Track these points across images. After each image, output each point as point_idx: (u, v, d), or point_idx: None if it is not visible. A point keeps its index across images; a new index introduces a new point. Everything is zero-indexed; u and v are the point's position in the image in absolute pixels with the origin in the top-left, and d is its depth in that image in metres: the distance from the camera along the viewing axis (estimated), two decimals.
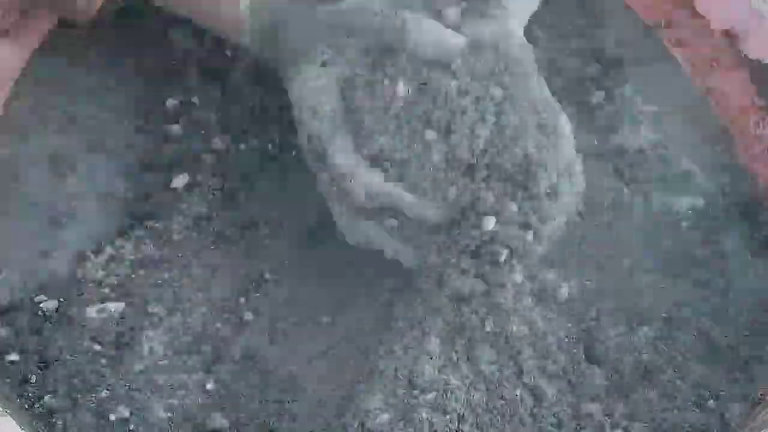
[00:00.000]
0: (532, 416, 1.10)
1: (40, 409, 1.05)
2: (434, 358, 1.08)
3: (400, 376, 1.08)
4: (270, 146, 1.35)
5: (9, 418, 0.97)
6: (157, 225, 1.26)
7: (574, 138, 1.14)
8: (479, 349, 1.10)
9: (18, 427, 0.96)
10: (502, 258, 1.08)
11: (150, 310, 1.18)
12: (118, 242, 1.24)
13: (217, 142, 1.34)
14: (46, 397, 1.06)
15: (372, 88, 1.07)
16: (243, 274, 1.24)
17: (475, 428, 1.07)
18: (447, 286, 1.11)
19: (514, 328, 1.12)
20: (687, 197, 1.40)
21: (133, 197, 1.29)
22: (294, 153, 1.33)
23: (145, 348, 1.14)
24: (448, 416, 1.05)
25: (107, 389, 1.08)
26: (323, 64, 1.10)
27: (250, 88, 1.38)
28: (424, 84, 1.06)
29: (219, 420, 1.08)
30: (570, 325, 1.19)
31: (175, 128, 1.36)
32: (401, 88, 1.06)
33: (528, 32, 1.35)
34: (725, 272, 1.33)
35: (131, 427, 1.05)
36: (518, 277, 1.15)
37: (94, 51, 1.42)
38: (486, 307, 1.12)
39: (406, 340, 1.11)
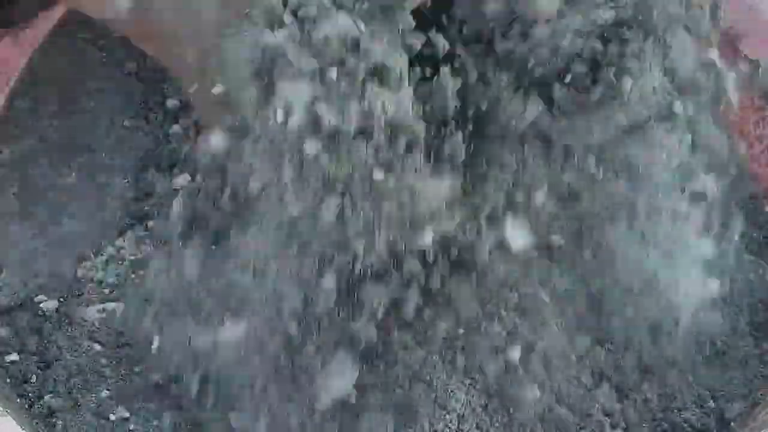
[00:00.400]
0: (533, 416, 1.10)
1: (40, 409, 1.05)
2: (435, 358, 1.08)
3: (401, 376, 1.08)
4: None
5: (9, 418, 0.97)
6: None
7: None
8: (479, 349, 1.10)
9: (18, 427, 0.96)
10: None
11: None
12: (118, 242, 1.24)
13: None
14: (46, 397, 1.06)
15: None
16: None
17: (475, 428, 1.07)
18: None
19: (513, 329, 1.12)
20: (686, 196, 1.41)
21: (133, 197, 1.30)
22: None
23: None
24: (448, 416, 1.05)
25: (107, 389, 1.08)
26: None
27: None
28: None
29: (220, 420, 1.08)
30: (569, 324, 1.19)
31: (175, 128, 1.36)
32: None
33: None
34: (725, 272, 1.33)
35: (131, 427, 1.05)
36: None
37: (95, 51, 1.42)
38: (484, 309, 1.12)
39: (407, 340, 1.11)
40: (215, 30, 0.93)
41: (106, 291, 1.18)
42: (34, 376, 1.09)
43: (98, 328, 1.14)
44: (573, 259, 1.21)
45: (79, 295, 1.17)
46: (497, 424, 1.09)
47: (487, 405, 1.09)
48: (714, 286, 1.30)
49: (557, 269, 1.16)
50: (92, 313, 1.15)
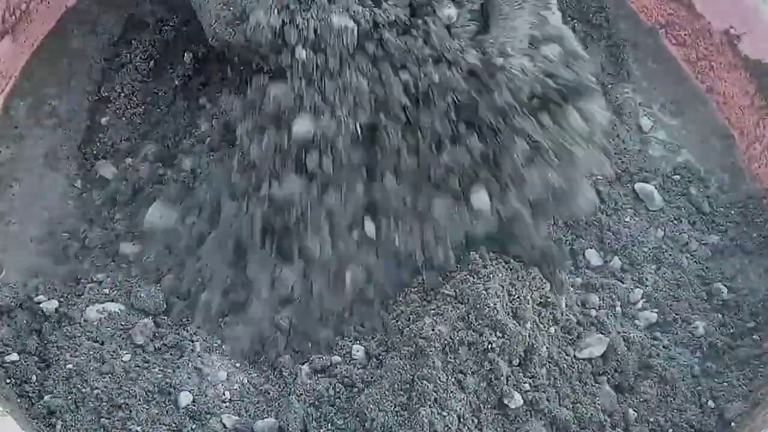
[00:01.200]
0: (533, 416, 1.10)
1: (40, 409, 1.05)
2: (435, 359, 1.08)
3: (402, 377, 1.08)
4: None
5: (9, 418, 0.97)
6: None
7: None
8: (480, 351, 1.10)
9: (18, 427, 0.96)
10: None
11: None
12: (119, 241, 1.24)
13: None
14: (46, 397, 1.06)
15: None
16: None
17: (475, 429, 1.07)
18: None
19: (514, 331, 1.11)
20: (687, 197, 1.41)
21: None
22: None
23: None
24: (448, 416, 1.05)
25: (107, 389, 1.08)
26: None
27: None
28: None
29: (227, 418, 1.08)
30: (569, 325, 1.19)
31: None
32: None
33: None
34: (725, 272, 1.33)
35: (132, 426, 1.05)
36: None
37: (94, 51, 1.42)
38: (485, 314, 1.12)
39: (408, 343, 1.11)
40: None
41: (106, 291, 1.18)
42: (34, 376, 1.09)
43: (98, 328, 1.13)
44: None
45: (79, 295, 1.17)
46: (497, 424, 1.08)
47: (486, 405, 1.09)
48: (716, 287, 1.30)
49: None
50: (92, 313, 1.15)
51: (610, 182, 1.39)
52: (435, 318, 1.11)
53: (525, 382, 1.11)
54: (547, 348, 1.13)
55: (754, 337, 1.25)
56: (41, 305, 1.15)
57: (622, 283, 1.28)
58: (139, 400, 1.07)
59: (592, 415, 1.12)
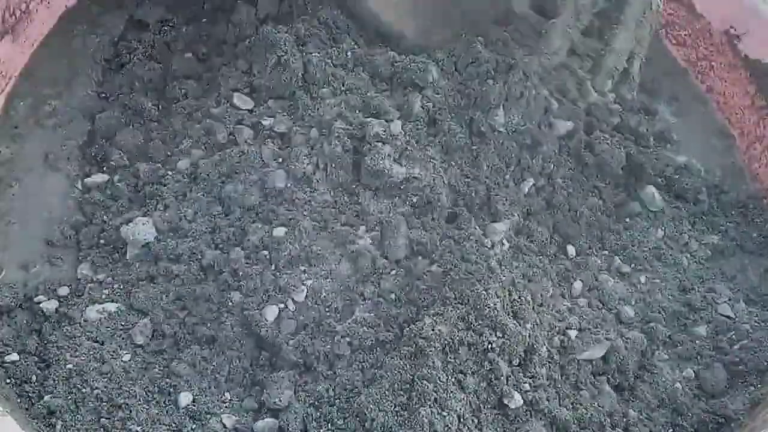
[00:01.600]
0: (533, 416, 1.10)
1: (40, 409, 1.05)
2: (435, 359, 1.08)
3: (402, 377, 1.08)
4: None
5: (9, 418, 0.97)
6: None
7: None
8: (480, 351, 1.10)
9: (18, 427, 0.96)
10: None
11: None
12: (119, 242, 1.24)
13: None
14: (46, 397, 1.06)
15: None
16: None
17: (475, 429, 1.07)
18: None
19: (514, 331, 1.12)
20: (686, 197, 1.41)
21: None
22: None
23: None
24: (448, 416, 1.05)
25: (107, 389, 1.08)
26: None
27: None
28: None
29: (227, 418, 1.08)
30: (569, 326, 1.19)
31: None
32: None
33: None
34: (725, 272, 1.33)
35: (132, 426, 1.05)
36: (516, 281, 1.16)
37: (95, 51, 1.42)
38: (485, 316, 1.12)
39: (408, 343, 1.11)
40: None
41: (106, 291, 1.18)
42: (34, 376, 1.09)
43: (98, 328, 1.13)
44: None
45: (79, 295, 1.17)
46: (497, 424, 1.08)
47: (486, 405, 1.09)
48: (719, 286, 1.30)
49: None
50: (92, 313, 1.15)
51: (610, 182, 1.39)
52: (435, 318, 1.11)
53: (525, 382, 1.11)
54: (547, 348, 1.13)
55: (753, 336, 1.25)
56: (41, 305, 1.15)
57: (623, 283, 1.28)
58: (139, 400, 1.07)
59: (592, 415, 1.12)
